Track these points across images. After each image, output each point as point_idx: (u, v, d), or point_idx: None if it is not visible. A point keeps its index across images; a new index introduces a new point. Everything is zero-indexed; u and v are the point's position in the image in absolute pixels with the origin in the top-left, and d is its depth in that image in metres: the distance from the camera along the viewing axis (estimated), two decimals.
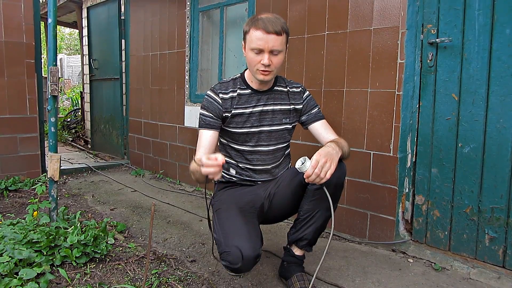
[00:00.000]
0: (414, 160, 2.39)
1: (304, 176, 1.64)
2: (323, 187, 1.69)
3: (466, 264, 2.19)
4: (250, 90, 1.97)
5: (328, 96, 2.77)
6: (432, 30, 2.27)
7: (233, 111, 1.95)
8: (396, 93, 2.41)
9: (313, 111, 2.04)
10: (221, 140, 2.07)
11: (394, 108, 2.42)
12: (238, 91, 1.97)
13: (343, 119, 2.68)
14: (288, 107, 2.02)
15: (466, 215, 2.20)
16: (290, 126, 2.04)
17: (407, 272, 2.19)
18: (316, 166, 1.61)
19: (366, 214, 2.60)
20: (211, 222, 1.97)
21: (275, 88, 2.01)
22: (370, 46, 2.52)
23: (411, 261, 2.34)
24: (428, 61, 2.29)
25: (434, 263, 2.27)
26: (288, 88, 2.03)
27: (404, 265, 2.28)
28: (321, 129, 2.01)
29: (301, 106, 2.04)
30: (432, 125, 2.30)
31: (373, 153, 2.54)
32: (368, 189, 2.58)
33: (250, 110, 1.96)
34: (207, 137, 1.92)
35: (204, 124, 1.93)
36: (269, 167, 2.05)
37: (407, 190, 2.42)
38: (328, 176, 1.62)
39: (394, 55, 2.40)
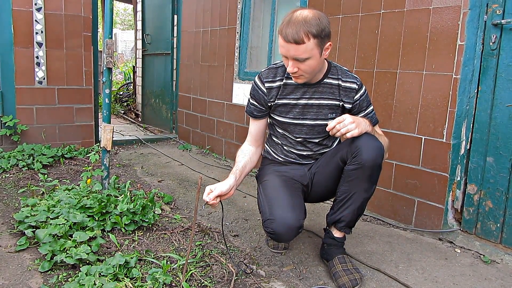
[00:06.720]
0: (468, 147, 2.29)
1: (327, 128, 1.69)
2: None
3: None
4: None
5: (380, 78, 2.68)
6: (497, 11, 2.12)
7: (277, 101, 1.93)
8: (454, 76, 2.29)
9: (361, 114, 1.92)
10: (269, 120, 2.07)
11: (450, 92, 2.31)
12: (285, 80, 1.91)
13: (394, 102, 2.60)
14: (337, 102, 1.92)
15: None
16: None
17: (454, 262, 2.13)
18: (340, 122, 1.65)
19: (413, 200, 2.53)
20: (257, 193, 2.02)
21: (324, 80, 1.90)
22: (428, 26, 2.40)
23: (459, 251, 2.26)
24: (491, 43, 2.15)
25: (483, 255, 2.18)
26: (340, 81, 1.90)
27: (451, 255, 2.22)
28: None
29: (350, 106, 1.92)
30: (490, 112, 2.18)
31: (424, 138, 2.45)
32: (417, 175, 2.50)
33: (294, 102, 1.92)
34: (254, 126, 2.04)
35: (249, 112, 2.02)
36: (314, 153, 2.04)
37: (458, 178, 2.33)
38: (343, 131, 1.65)
39: (453, 36, 2.28)
